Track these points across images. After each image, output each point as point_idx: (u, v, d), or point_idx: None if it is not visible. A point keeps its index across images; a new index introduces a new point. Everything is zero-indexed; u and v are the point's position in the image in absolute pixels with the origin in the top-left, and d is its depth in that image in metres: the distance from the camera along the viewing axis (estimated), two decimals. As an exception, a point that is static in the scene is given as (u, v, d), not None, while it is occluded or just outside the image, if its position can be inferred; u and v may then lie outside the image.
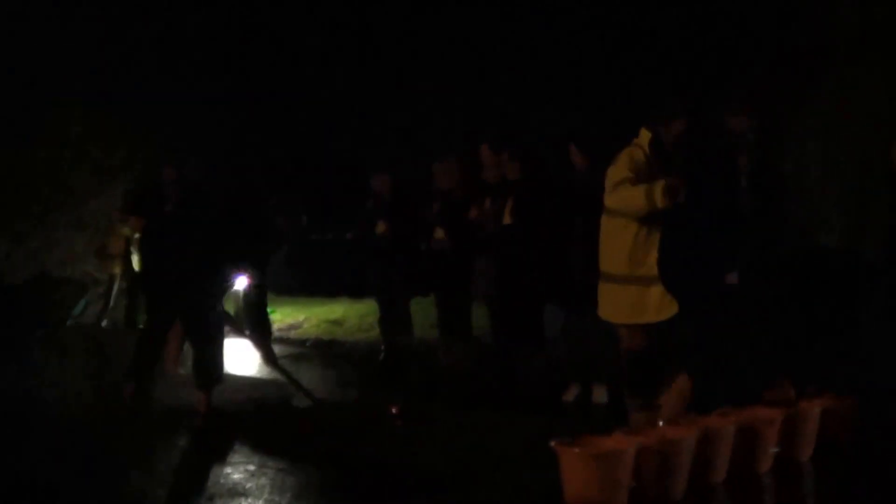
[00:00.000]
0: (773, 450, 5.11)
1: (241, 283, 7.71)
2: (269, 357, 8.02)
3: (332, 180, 14.61)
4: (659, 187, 5.27)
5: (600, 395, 7.24)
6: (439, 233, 8.50)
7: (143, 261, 8.05)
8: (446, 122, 13.37)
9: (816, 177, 9.54)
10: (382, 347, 9.72)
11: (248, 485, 5.02)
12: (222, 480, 5.11)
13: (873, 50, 9.53)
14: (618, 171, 5.62)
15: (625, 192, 5.49)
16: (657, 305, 5.59)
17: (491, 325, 8.31)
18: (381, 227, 9.19)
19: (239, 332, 8.18)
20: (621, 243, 5.66)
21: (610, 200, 5.65)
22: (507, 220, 7.64)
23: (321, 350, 11.52)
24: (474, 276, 8.17)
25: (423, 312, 10.28)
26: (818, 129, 9.92)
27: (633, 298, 5.63)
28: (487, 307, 8.30)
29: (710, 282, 5.50)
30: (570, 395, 7.36)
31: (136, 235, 9.11)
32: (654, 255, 5.59)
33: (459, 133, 11.88)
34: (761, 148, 6.25)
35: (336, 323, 13.15)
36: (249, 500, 4.76)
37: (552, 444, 4.55)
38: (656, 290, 5.58)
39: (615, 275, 5.72)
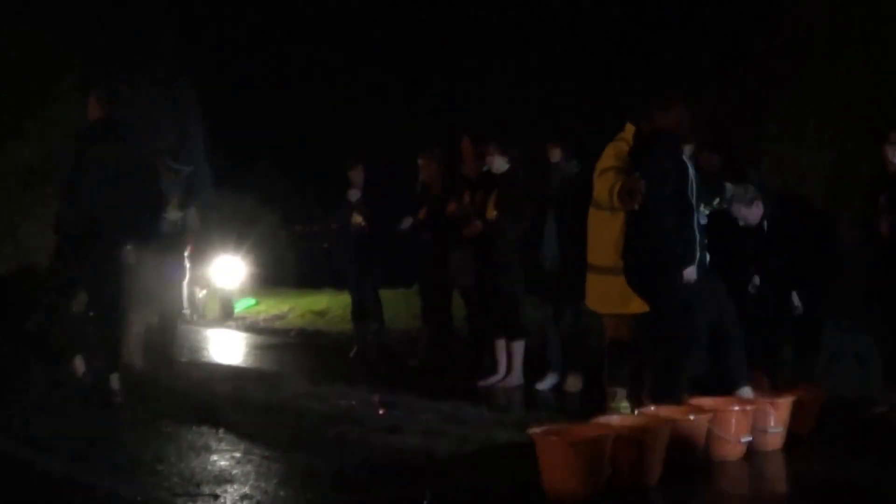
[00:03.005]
0: (746, 439, 5.26)
1: None
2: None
3: (319, 172, 14.70)
4: (616, 186, 5.37)
5: (575, 384, 7.36)
6: (407, 221, 8.58)
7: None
8: (431, 116, 13.48)
9: (792, 174, 9.66)
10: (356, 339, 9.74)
11: (235, 471, 5.11)
12: (209, 467, 5.19)
13: (846, 49, 9.65)
14: (603, 161, 5.71)
15: (600, 181, 5.58)
16: None
17: (467, 315, 8.41)
18: (356, 219, 9.21)
19: None
20: (609, 235, 5.72)
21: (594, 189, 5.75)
22: (490, 213, 7.73)
23: (305, 340, 11.62)
24: (450, 266, 8.23)
25: (405, 303, 10.37)
26: (792, 128, 10.06)
27: (622, 289, 5.69)
28: (462, 297, 8.40)
29: (667, 277, 5.56)
30: (547, 383, 7.48)
31: None
32: None
33: (444, 127, 11.99)
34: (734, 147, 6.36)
35: (320, 313, 13.25)
36: (235, 486, 4.84)
37: (530, 432, 4.67)
38: None
39: (604, 266, 5.78)
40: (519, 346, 7.73)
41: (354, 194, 9.20)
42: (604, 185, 5.53)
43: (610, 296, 5.80)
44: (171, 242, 8.06)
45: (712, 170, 6.56)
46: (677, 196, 5.50)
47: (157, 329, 8.44)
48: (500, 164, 7.77)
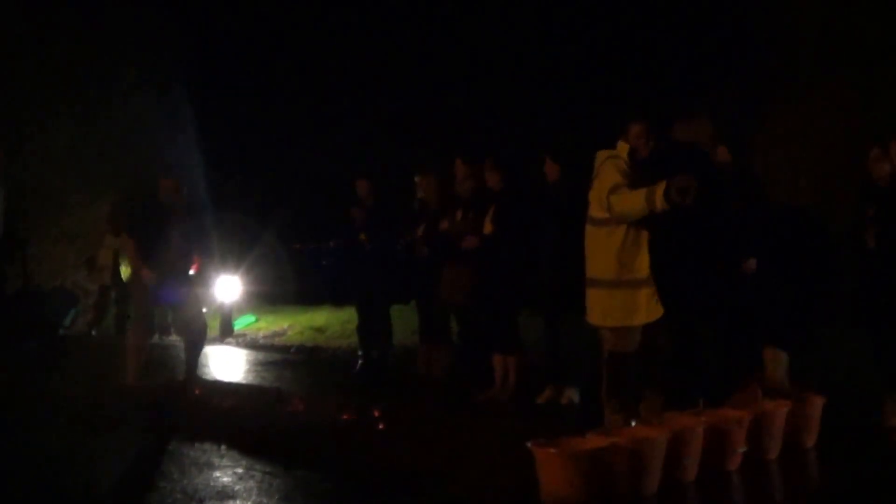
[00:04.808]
0: (742, 449, 5.30)
1: None
2: None
3: (317, 190, 14.78)
4: (659, 190, 5.36)
5: (571, 396, 7.41)
6: (405, 238, 8.66)
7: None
8: (427, 133, 13.55)
9: (782, 184, 9.73)
10: (360, 354, 9.79)
11: (237, 487, 5.16)
12: (212, 483, 5.25)
13: (836, 62, 9.75)
14: (609, 178, 5.73)
15: (626, 196, 5.58)
16: (646, 307, 5.75)
17: (461, 331, 8.46)
18: (363, 235, 9.28)
19: None
20: (609, 250, 5.78)
21: (604, 208, 5.71)
22: (487, 229, 7.78)
23: (305, 356, 11.67)
24: (441, 283, 8.29)
25: (404, 319, 10.42)
26: (784, 138, 10.14)
27: (624, 302, 5.76)
28: (455, 314, 8.44)
29: (712, 280, 5.56)
30: (544, 397, 7.53)
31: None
32: (641, 259, 5.74)
33: (440, 145, 12.08)
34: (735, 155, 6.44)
35: (319, 330, 13.30)
36: (238, 501, 4.89)
37: (528, 444, 4.72)
38: (645, 293, 5.74)
39: (604, 280, 5.83)
40: (515, 361, 7.77)
41: (360, 214, 9.29)
42: (629, 199, 5.55)
43: (612, 309, 5.85)
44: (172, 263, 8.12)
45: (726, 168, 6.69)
46: (719, 197, 5.52)
47: (185, 348, 8.54)
48: (495, 180, 7.83)
